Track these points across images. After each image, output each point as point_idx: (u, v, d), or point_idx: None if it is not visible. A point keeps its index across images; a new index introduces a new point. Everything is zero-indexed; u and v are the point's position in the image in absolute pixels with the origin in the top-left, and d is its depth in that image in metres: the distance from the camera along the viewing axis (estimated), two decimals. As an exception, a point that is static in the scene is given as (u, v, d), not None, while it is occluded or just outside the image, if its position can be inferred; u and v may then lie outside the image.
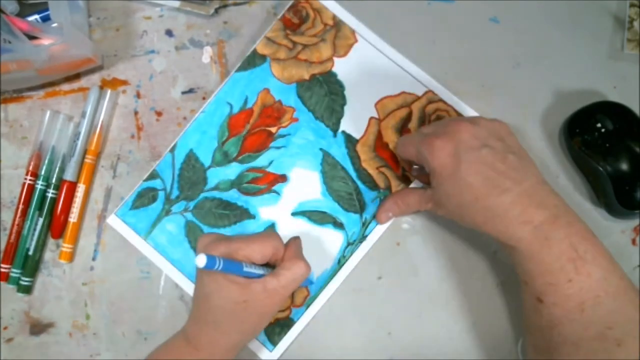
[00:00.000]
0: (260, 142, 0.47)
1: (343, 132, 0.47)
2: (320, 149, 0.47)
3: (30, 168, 0.47)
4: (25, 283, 0.47)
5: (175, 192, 0.47)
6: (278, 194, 0.47)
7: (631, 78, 0.47)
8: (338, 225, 0.46)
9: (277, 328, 0.45)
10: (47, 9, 0.47)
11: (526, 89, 0.47)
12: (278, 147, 0.47)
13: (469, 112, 0.47)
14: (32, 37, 0.44)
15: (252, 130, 0.47)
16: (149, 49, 0.49)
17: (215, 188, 0.47)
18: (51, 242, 0.48)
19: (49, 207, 0.47)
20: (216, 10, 0.49)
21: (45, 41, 0.44)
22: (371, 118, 0.47)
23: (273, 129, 0.47)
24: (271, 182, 0.47)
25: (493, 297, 0.46)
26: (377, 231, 0.46)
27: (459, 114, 0.47)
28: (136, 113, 0.49)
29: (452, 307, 0.46)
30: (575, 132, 0.45)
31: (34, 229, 0.47)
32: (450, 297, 0.46)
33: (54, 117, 0.48)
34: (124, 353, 0.47)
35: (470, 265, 0.46)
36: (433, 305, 0.46)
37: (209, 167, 0.47)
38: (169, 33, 0.49)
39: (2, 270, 0.47)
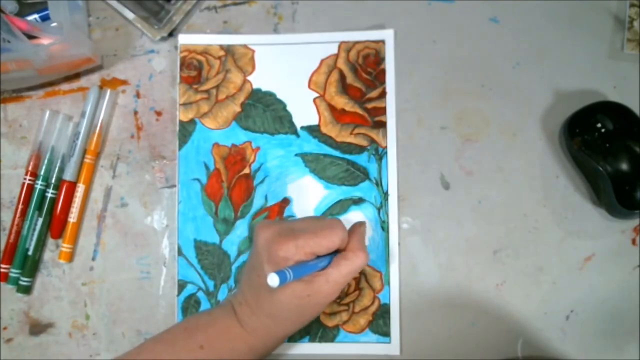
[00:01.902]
0: (244, 188, 0.47)
1: (302, 127, 0.47)
2: (296, 155, 0.47)
3: (30, 168, 0.47)
4: (25, 283, 0.47)
5: (211, 284, 0.46)
6: (292, 216, 0.47)
7: (631, 78, 0.47)
8: (358, 201, 0.47)
9: (379, 320, 0.45)
10: (46, 9, 0.47)
11: (526, 89, 0.47)
12: (262, 181, 0.47)
13: (381, 34, 0.48)
14: (31, 37, 0.44)
15: (231, 185, 0.47)
16: (148, 48, 0.49)
17: (240, 253, 0.47)
18: (51, 242, 0.48)
19: (49, 207, 0.47)
20: (169, 35, 0.49)
21: (45, 41, 0.44)
22: (315, 99, 0.48)
23: (246, 170, 0.47)
24: (279, 211, 0.47)
25: (493, 297, 0.46)
26: (391, 178, 0.46)
27: (377, 43, 0.48)
28: (136, 113, 0.49)
29: (452, 307, 0.46)
30: (575, 132, 0.45)
31: (34, 229, 0.47)
32: (450, 297, 0.46)
33: (53, 116, 0.48)
34: (124, 353, 0.46)
35: (470, 265, 0.46)
36: (433, 305, 0.46)
37: (221, 241, 0.47)
38: (168, 32, 0.49)
39: (2, 270, 0.47)
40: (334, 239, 0.38)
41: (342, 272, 0.38)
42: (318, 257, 0.39)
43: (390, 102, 0.47)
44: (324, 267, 0.38)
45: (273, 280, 0.33)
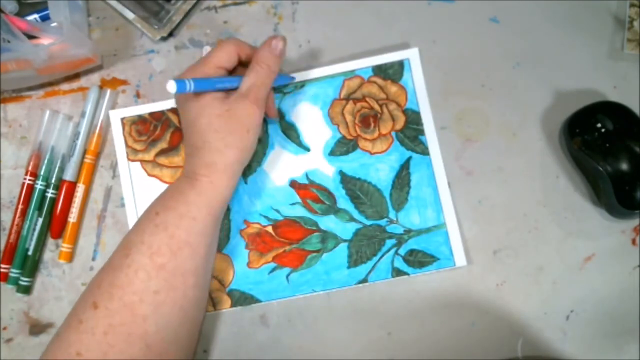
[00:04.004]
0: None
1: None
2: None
3: (30, 168, 0.47)
4: (25, 283, 0.47)
5: None
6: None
7: (631, 78, 0.47)
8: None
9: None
10: (46, 9, 0.47)
11: (526, 89, 0.47)
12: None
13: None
14: (31, 37, 0.44)
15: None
16: (148, 48, 0.49)
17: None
18: (51, 242, 0.48)
19: (49, 207, 0.47)
20: (169, 35, 0.49)
21: (45, 41, 0.44)
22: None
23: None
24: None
25: (493, 297, 0.46)
26: None
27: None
28: (136, 113, 0.49)
29: (452, 307, 0.46)
30: (575, 132, 0.45)
31: (34, 229, 0.47)
32: (450, 296, 0.46)
33: (53, 116, 0.48)
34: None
35: (470, 266, 0.46)
36: (433, 305, 0.46)
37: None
38: (168, 32, 0.49)
39: (2, 270, 0.47)
40: (228, 45, 0.40)
41: (250, 81, 0.40)
42: (228, 77, 0.40)
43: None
44: (237, 85, 0.40)
45: (171, 85, 0.34)
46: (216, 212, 0.41)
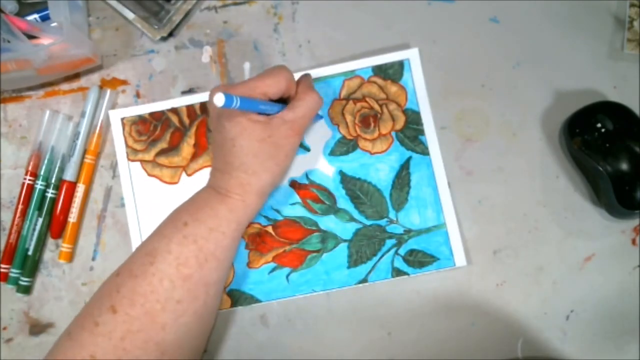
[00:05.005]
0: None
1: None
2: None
3: (30, 168, 0.47)
4: (25, 283, 0.47)
5: None
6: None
7: (631, 78, 0.47)
8: None
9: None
10: (46, 9, 0.47)
11: (526, 89, 0.47)
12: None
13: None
14: (31, 37, 0.44)
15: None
16: (148, 48, 0.49)
17: None
18: (51, 242, 0.48)
19: (49, 207, 0.47)
20: (169, 35, 0.49)
21: (45, 41, 0.44)
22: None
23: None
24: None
25: (493, 297, 0.46)
26: None
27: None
28: (136, 113, 0.49)
29: (452, 307, 0.46)
30: (575, 132, 0.45)
31: (34, 229, 0.47)
32: (450, 297, 0.46)
33: (53, 116, 0.48)
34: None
35: (470, 266, 0.46)
36: (433, 305, 0.46)
37: None
38: (168, 32, 0.49)
39: (2, 270, 0.47)
40: (279, 77, 0.40)
41: (297, 113, 0.40)
42: (271, 101, 0.40)
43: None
44: (277, 112, 0.40)
45: (219, 99, 0.33)
46: (243, 227, 0.42)
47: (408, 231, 0.46)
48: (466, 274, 0.46)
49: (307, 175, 0.47)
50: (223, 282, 0.42)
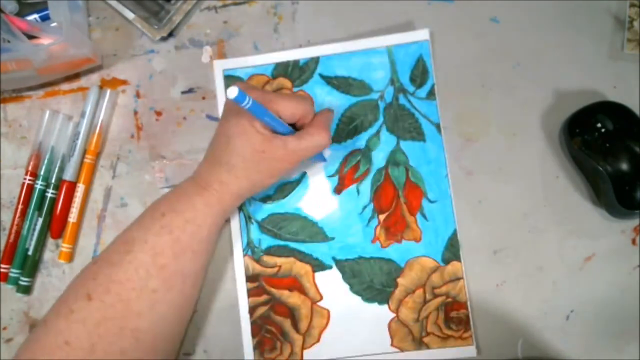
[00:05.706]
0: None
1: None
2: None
3: (30, 168, 0.47)
4: (25, 283, 0.47)
5: None
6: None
7: (631, 78, 0.47)
8: None
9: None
10: (46, 9, 0.47)
11: (526, 89, 0.47)
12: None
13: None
14: (31, 37, 0.44)
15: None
16: (148, 48, 0.49)
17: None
18: (50, 242, 0.48)
19: (49, 207, 0.47)
20: (169, 35, 0.49)
21: (45, 41, 0.44)
22: None
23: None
24: None
25: (494, 297, 0.46)
26: None
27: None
28: (136, 113, 0.49)
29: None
30: (575, 132, 0.45)
31: (34, 229, 0.47)
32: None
33: (53, 116, 0.48)
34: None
35: (471, 265, 0.46)
36: (433, 305, 0.46)
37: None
38: (168, 32, 0.49)
39: (2, 270, 0.47)
40: (299, 105, 0.40)
41: (301, 144, 0.40)
42: (281, 119, 0.39)
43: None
44: (282, 133, 0.40)
45: (232, 91, 0.33)
46: (220, 223, 0.42)
47: None
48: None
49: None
50: (201, 274, 0.42)
